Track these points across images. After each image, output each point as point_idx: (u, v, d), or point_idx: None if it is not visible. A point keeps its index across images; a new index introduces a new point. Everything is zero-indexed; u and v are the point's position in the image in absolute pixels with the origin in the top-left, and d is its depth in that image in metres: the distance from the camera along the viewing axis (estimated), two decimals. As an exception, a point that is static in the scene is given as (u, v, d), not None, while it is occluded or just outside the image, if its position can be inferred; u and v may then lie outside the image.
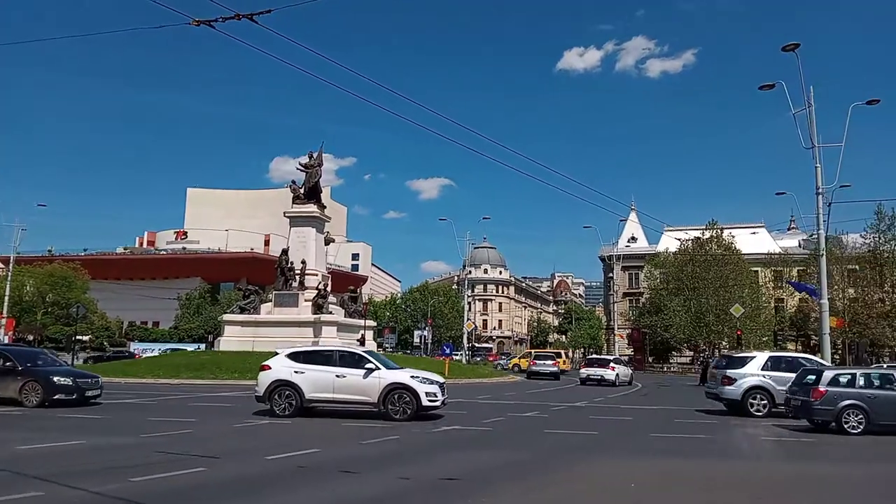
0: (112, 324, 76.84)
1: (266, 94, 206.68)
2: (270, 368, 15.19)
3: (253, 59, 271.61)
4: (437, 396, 14.69)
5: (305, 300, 37.71)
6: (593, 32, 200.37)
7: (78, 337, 59.03)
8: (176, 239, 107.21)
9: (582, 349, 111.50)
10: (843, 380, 14.57)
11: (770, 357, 19.25)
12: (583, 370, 36.07)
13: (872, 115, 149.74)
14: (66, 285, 65.80)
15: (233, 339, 37.37)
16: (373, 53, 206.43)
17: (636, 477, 9.01)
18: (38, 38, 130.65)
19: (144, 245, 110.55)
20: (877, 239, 55.83)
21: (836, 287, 52.34)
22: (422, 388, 14.55)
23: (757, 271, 69.44)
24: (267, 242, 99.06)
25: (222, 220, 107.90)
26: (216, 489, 7.67)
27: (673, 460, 10.60)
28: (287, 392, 14.82)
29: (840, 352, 56.25)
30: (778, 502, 7.85)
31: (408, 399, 14.47)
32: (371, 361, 15.10)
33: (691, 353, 70.70)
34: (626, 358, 53.37)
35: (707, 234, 65.76)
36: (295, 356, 15.51)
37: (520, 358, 47.35)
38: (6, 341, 47.60)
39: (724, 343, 62.74)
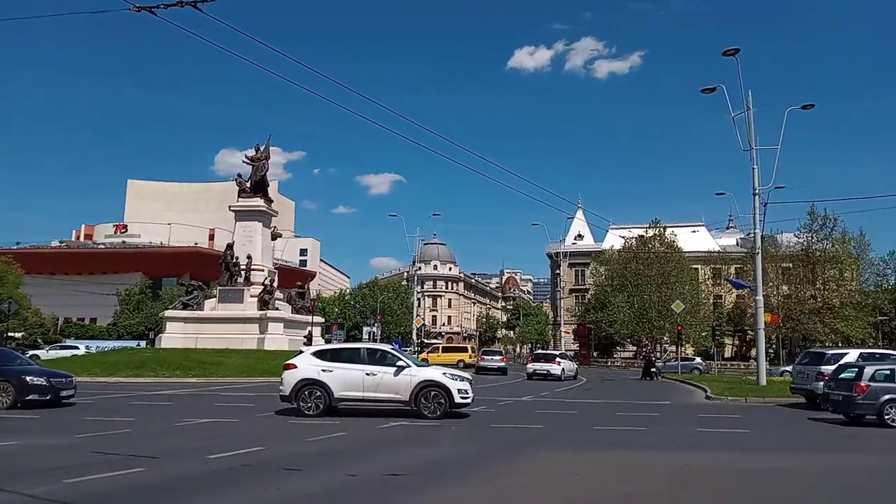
0: (47, 320, 73.77)
1: (212, 85, 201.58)
2: (296, 367, 14.67)
3: (199, 49, 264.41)
4: (468, 394, 14.52)
5: (251, 296, 37.12)
6: (544, 32, 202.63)
7: (10, 334, 56.45)
8: (115, 232, 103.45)
9: (530, 344, 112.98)
10: (882, 375, 14.98)
11: (861, 353, 19.45)
12: (529, 365, 36.59)
13: (808, 119, 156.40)
14: (-3, 280, 62.78)
15: (175, 335, 36.49)
16: (323, 48, 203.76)
17: (580, 469, 9.22)
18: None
19: (82, 238, 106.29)
20: (809, 238, 58.45)
21: (770, 284, 54.60)
22: (454, 386, 14.33)
23: (697, 269, 71.72)
24: (212, 237, 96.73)
25: (165, 214, 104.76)
26: (154, 490, 7.49)
27: (616, 452, 10.87)
28: (316, 391, 14.34)
29: (774, 346, 58.80)
30: (706, 488, 8.15)
31: (441, 398, 14.25)
32: (401, 359, 14.87)
33: (634, 348, 72.53)
34: (571, 353, 54.36)
35: (650, 233, 67.60)
36: (321, 354, 15.17)
37: (428, 352, 46.75)
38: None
39: (665, 338, 64.68)
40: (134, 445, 10.53)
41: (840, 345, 58.47)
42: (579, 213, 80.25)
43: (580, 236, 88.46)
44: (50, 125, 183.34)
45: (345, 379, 14.41)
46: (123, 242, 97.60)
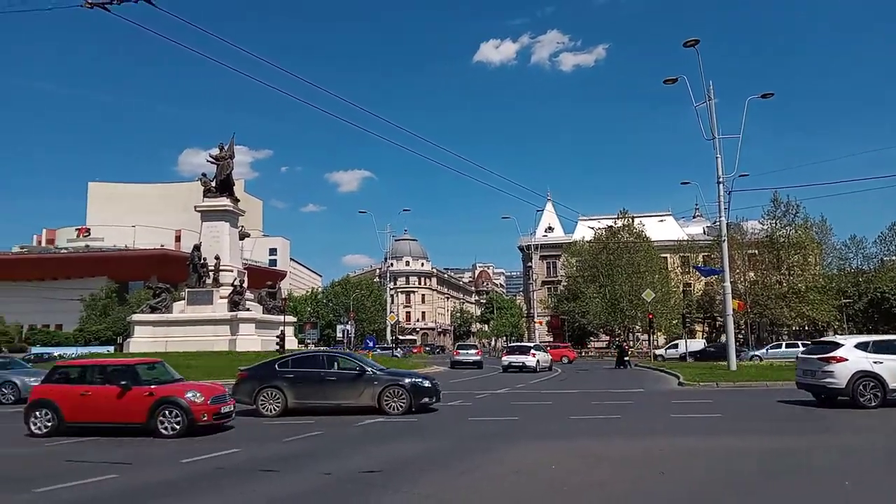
0: (11, 328, 71.83)
1: (173, 84, 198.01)
2: (847, 360, 14.54)
3: (157, 48, 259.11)
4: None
5: (221, 297, 36.61)
6: (509, 25, 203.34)
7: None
8: (78, 236, 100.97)
9: (504, 337, 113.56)
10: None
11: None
12: (504, 358, 36.76)
13: (768, 107, 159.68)
14: (-45, 288, 60.97)
15: (144, 339, 35.81)
16: (286, 44, 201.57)
17: (557, 458, 9.28)
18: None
19: (43, 243, 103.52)
20: (773, 225, 59.71)
21: (737, 271, 55.66)
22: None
23: (666, 258, 72.76)
24: (178, 238, 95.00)
25: (128, 216, 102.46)
26: (128, 497, 7.33)
27: (592, 440, 10.97)
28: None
29: (743, 331, 60.05)
30: (680, 472, 8.27)
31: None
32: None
33: (608, 337, 73.34)
34: (545, 344, 54.77)
35: (619, 223, 68.29)
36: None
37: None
38: None
39: (637, 327, 65.52)
40: (107, 452, 10.32)
41: (807, 328, 60.06)
42: (549, 206, 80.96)
43: (550, 228, 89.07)
44: (3, 127, 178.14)
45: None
46: (87, 246, 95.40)
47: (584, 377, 30.48)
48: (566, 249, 76.33)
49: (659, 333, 62.33)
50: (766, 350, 44.70)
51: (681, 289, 71.34)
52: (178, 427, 11.53)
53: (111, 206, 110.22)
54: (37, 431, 11.87)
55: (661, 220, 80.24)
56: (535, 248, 78.21)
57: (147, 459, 9.75)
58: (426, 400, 15.14)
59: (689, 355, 40.88)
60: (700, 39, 26.18)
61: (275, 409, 14.59)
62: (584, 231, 69.27)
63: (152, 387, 11.98)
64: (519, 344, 48.24)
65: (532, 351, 36.34)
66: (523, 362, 34.56)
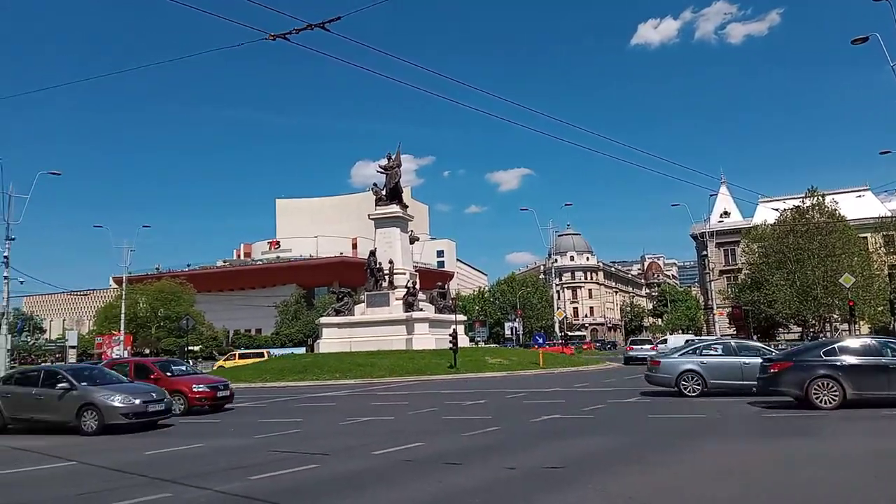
0: (219, 333, 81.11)
1: (340, 102, 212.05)
2: None
3: (326, 68, 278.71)
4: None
5: (396, 299, 38.43)
6: (669, 2, 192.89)
7: (189, 347, 62.70)
8: (270, 249, 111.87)
9: (680, 331, 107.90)
10: None
11: None
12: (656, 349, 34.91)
13: None
14: (175, 299, 70.12)
15: (331, 340, 38.62)
16: (441, 50, 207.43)
17: (751, 458, 8.63)
18: (122, 68, 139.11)
19: (241, 256, 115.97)
20: None
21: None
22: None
23: (866, 237, 64.83)
24: (355, 245, 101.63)
25: (311, 228, 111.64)
26: (328, 484, 7.95)
27: (792, 440, 10.08)
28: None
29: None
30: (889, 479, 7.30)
31: None
32: None
33: (800, 328, 66.96)
34: (730, 336, 51.16)
35: (807, 202, 61.93)
36: None
37: (224, 359, 48.77)
38: (126, 356, 51.22)
39: (835, 316, 59.09)
40: (305, 444, 11.26)
41: None
42: (723, 189, 75.70)
43: (726, 213, 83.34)
44: (201, 155, 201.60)
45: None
46: (278, 257, 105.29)
47: (775, 372, 28.01)
48: (746, 235, 70.66)
49: (861, 322, 55.64)
50: None
51: (885, 272, 63.09)
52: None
53: (296, 219, 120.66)
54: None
55: (859, 196, 71.55)
56: (710, 236, 73.11)
57: (340, 451, 10.48)
58: None
59: None
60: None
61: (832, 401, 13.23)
62: (766, 214, 63.49)
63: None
64: (696, 338, 45.52)
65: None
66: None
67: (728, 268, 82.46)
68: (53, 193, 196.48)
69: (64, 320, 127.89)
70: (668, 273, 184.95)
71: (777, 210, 60.30)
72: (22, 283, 62.56)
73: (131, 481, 8.40)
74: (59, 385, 14.23)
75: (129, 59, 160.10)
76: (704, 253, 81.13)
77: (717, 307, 69.25)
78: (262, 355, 46.60)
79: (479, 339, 62.52)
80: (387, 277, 39.35)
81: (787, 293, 58.10)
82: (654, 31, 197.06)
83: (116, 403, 13.74)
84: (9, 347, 42.61)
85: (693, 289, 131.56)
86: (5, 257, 37.08)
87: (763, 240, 65.51)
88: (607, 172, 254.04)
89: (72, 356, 58.35)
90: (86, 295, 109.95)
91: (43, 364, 56.19)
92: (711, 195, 66.82)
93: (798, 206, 61.59)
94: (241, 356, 47.45)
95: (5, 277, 37.72)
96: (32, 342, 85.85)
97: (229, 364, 44.34)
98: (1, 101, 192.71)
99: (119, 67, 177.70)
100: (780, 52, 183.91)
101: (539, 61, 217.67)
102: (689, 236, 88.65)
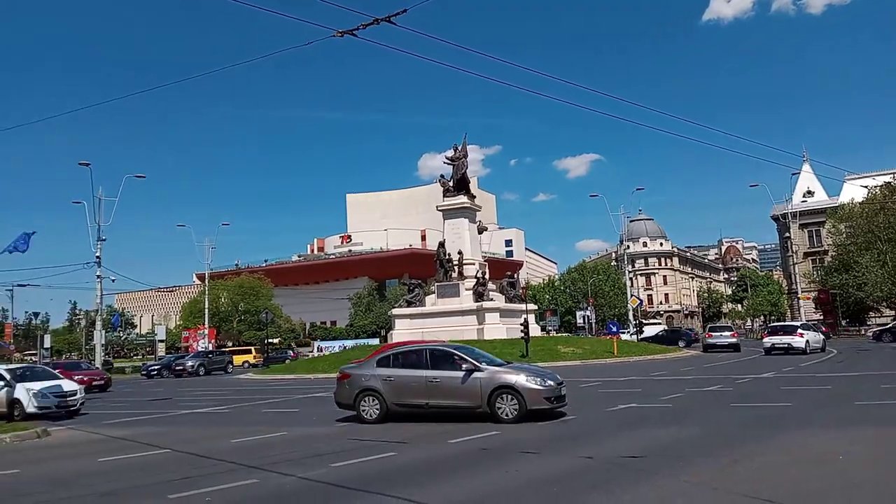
0: (296, 326, 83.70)
1: (406, 94, 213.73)
2: None
3: (388, 63, 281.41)
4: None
5: (466, 289, 38.56)
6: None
7: (269, 340, 65.03)
8: (342, 243, 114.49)
9: (762, 317, 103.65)
10: None
11: None
12: (766, 339, 33.49)
13: None
14: (254, 294, 72.80)
15: (403, 331, 39.13)
16: (504, 37, 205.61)
17: (846, 447, 8.22)
18: (190, 74, 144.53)
19: (315, 251, 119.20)
20: None
21: None
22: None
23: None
24: (423, 237, 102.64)
25: (380, 221, 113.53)
26: (406, 471, 8.10)
27: (886, 429, 9.54)
28: None
29: None
30: None
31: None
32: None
33: (893, 312, 63.11)
34: (814, 323, 48.75)
35: (900, 178, 58.17)
36: None
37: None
38: (210, 349, 53.63)
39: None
40: (383, 432, 11.49)
41: None
42: (806, 167, 72.08)
43: (810, 192, 79.43)
44: (273, 153, 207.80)
45: None
46: (349, 251, 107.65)
47: (866, 358, 26.57)
48: (832, 215, 67.07)
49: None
50: None
51: None
52: None
53: (366, 213, 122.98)
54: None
55: (956, 170, 66.59)
56: (792, 217, 69.86)
57: (414, 439, 10.63)
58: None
59: None
60: None
61: None
62: (853, 192, 60.06)
63: None
64: (782, 323, 43.65)
65: (799, 330, 32.61)
66: (789, 343, 31.15)
67: (813, 250, 78.69)
68: (139, 195, 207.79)
69: (153, 316, 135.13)
70: (747, 257, 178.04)
71: (865, 187, 56.93)
72: (113, 281, 66.59)
73: (219, 468, 8.80)
74: None
75: (201, 64, 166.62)
76: (787, 235, 77.51)
77: (802, 291, 66.11)
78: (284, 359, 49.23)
79: (550, 328, 61.97)
80: (456, 268, 39.52)
81: (878, 275, 54.86)
82: (728, 5, 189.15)
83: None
84: (103, 342, 45.44)
85: (775, 273, 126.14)
86: (97, 257, 39.47)
87: (851, 219, 62.05)
88: (680, 154, 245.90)
89: (161, 350, 61.59)
90: (172, 291, 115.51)
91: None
92: (794, 174, 63.82)
93: (889, 183, 58.08)
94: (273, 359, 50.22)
95: (98, 276, 40.16)
96: (124, 337, 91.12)
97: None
98: (89, 109, 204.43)
99: (193, 72, 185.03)
100: (863, 21, 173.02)
101: (606, 42, 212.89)
102: (769, 218, 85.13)
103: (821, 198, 77.68)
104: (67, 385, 18.21)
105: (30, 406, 16.79)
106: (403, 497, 6.58)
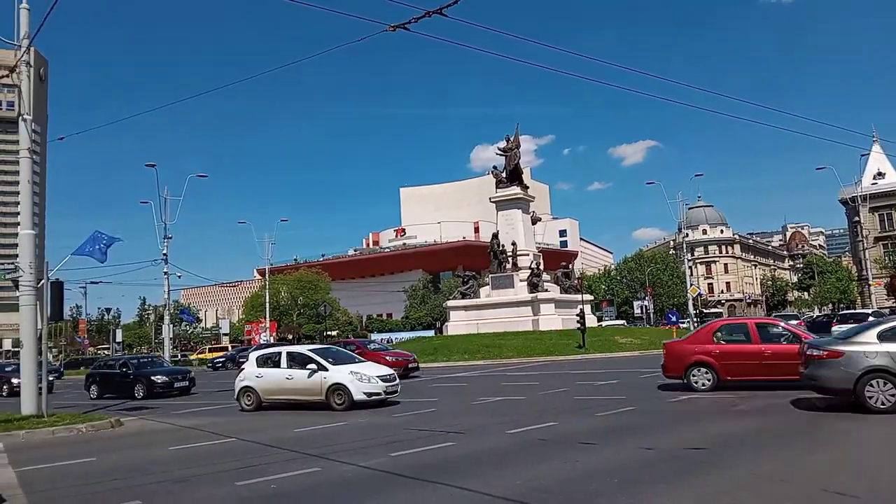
0: (354, 318, 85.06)
1: (457, 86, 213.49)
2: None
3: (439, 53, 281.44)
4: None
5: (520, 280, 38.41)
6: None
7: (327, 333, 66.32)
8: (396, 236, 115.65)
9: (830, 305, 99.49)
10: None
11: None
12: (835, 328, 32.14)
13: None
14: (313, 288, 74.28)
15: (459, 323, 39.32)
16: (554, 23, 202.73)
17: None
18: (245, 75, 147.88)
19: (370, 245, 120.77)
20: None
21: None
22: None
23: None
24: (476, 229, 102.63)
25: (433, 214, 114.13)
26: (466, 462, 8.15)
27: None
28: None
29: None
30: None
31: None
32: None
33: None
34: (887, 311, 46.53)
35: (983, 155, 54.83)
36: None
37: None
38: (272, 341, 55.05)
39: None
40: (441, 423, 11.60)
41: None
42: (875, 147, 68.69)
43: (881, 174, 75.64)
44: (328, 149, 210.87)
45: None
46: (404, 244, 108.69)
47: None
48: (906, 196, 63.80)
49: None
50: None
51: None
52: None
53: (419, 206, 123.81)
54: None
55: None
56: (862, 200, 66.68)
57: (475, 429, 10.69)
58: None
59: None
60: None
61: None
62: (929, 172, 57.06)
63: None
64: (852, 311, 41.83)
65: (870, 318, 31.13)
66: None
67: (885, 234, 75.02)
68: (202, 194, 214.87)
69: (217, 310, 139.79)
70: (813, 243, 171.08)
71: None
72: (179, 277, 69.17)
73: (283, 456, 9.06)
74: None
75: (257, 64, 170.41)
76: (856, 219, 74.06)
77: (874, 278, 63.11)
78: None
79: (606, 318, 61.12)
80: (510, 259, 39.39)
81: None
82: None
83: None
84: (171, 336, 47.25)
85: (844, 258, 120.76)
86: (164, 255, 40.98)
87: (927, 201, 58.85)
88: (741, 138, 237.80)
89: (225, 342, 63.62)
90: (234, 286, 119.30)
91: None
92: (863, 155, 60.81)
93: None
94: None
95: (165, 273, 41.71)
96: (191, 331, 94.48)
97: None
98: (154, 112, 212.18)
99: (247, 73, 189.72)
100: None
101: (660, 25, 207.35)
102: (837, 202, 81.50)
103: (892, 179, 73.92)
104: (384, 369, 15.82)
105: (358, 393, 14.41)
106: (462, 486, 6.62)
